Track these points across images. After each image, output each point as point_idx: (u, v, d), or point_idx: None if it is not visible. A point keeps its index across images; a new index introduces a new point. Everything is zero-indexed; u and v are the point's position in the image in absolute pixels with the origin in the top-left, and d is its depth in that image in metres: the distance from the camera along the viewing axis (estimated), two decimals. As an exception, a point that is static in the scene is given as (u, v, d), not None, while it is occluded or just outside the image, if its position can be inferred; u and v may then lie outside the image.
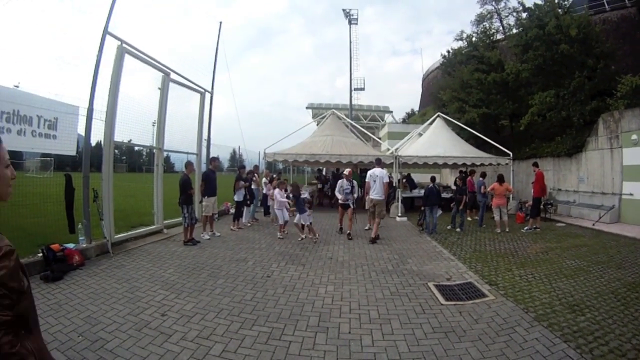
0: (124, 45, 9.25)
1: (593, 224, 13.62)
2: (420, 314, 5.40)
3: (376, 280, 7.02)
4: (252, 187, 13.92)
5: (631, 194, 13.96)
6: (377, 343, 4.51)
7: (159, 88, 11.36)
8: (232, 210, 13.73)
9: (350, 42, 44.59)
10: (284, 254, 8.94)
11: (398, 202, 16.21)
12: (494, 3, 36.36)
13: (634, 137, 13.90)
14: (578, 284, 6.87)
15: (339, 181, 12.03)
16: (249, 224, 13.54)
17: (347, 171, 11.99)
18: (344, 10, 44.58)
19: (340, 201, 11.91)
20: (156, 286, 6.34)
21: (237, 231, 12.04)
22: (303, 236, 10.96)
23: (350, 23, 45.31)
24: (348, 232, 11.41)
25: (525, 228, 12.92)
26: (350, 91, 43.22)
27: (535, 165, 13.97)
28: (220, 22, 15.81)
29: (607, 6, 29.10)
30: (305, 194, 16.93)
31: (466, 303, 5.88)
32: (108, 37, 8.74)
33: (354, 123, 25.86)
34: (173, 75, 11.86)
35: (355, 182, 12.14)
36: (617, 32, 26.83)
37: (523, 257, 9.06)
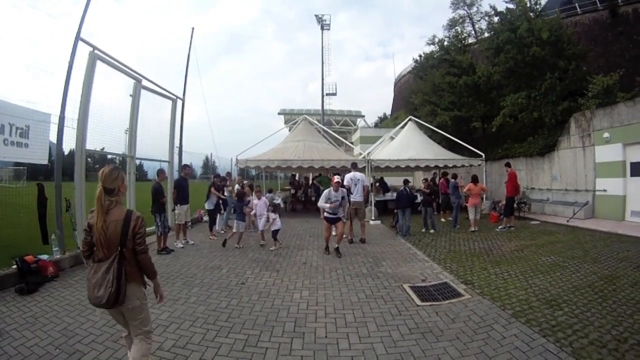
0: (96, 51, 9.06)
1: (567, 221, 13.76)
2: (396, 316, 5.34)
3: (351, 283, 6.96)
4: (225, 194, 13.65)
5: (605, 190, 14.25)
6: (354, 346, 4.46)
7: (130, 95, 11.15)
8: (206, 218, 13.41)
9: (322, 47, 44.76)
10: (258, 261, 8.84)
11: (371, 205, 16.04)
12: (466, 8, 36.94)
13: (606, 135, 14.16)
14: (554, 280, 6.88)
15: (326, 191, 9.81)
16: (222, 232, 13.23)
17: (335, 179, 9.74)
18: (316, 15, 44.97)
19: (326, 214, 9.67)
20: None
21: (214, 239, 11.75)
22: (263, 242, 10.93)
23: (322, 29, 45.55)
24: (336, 246, 9.52)
25: (500, 227, 12.94)
26: (322, 96, 43.22)
27: (508, 165, 14.06)
28: (193, 28, 15.63)
29: (578, 9, 30.05)
30: (278, 200, 16.72)
31: (442, 303, 5.84)
32: (80, 43, 8.57)
33: (325, 128, 25.82)
34: (145, 82, 11.68)
35: (345, 193, 10.01)
36: (588, 34, 27.71)
37: (498, 256, 9.06)
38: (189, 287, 6.71)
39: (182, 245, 10.67)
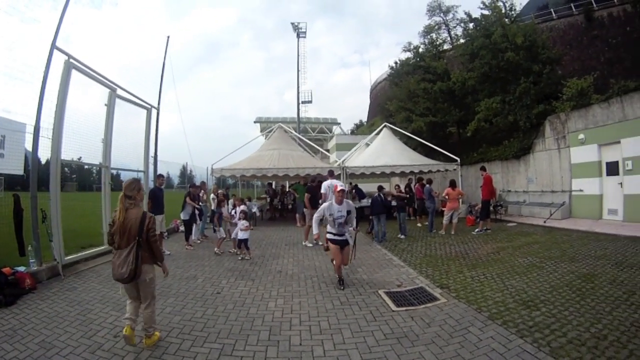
0: (71, 60, 8.87)
1: (544, 221, 13.82)
2: (371, 322, 5.29)
3: (326, 291, 6.89)
4: (200, 203, 13.37)
5: (581, 190, 14.41)
6: (328, 353, 4.41)
7: (105, 104, 10.86)
8: (182, 228, 13.12)
9: (298, 55, 44.83)
10: (234, 270, 8.69)
11: None
12: (442, 15, 37.23)
13: (581, 136, 14.32)
14: (531, 280, 6.85)
15: (323, 205, 7.56)
16: (198, 241, 13.02)
17: (338, 187, 7.40)
18: (292, 23, 44.89)
19: (329, 236, 7.31)
20: (108, 307, 6.17)
21: (190, 249, 11.50)
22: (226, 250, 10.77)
23: (298, 36, 45.60)
24: (340, 279, 7.19)
25: (476, 230, 12.93)
26: (298, 104, 43.24)
27: (483, 169, 14.11)
28: (168, 37, 15.38)
29: (554, 15, 30.75)
30: (254, 209, 16.44)
31: (418, 308, 5.79)
32: (56, 51, 8.38)
33: (301, 136, 25.91)
34: (120, 91, 11.44)
35: (353, 206, 7.51)
36: (564, 39, 28.25)
37: (474, 259, 9.01)
38: (164, 298, 6.59)
39: None
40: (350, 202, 7.60)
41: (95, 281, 7.86)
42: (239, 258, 9.86)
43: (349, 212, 7.27)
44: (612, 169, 13.29)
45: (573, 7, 29.76)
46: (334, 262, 7.32)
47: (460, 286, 6.81)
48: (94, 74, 10.01)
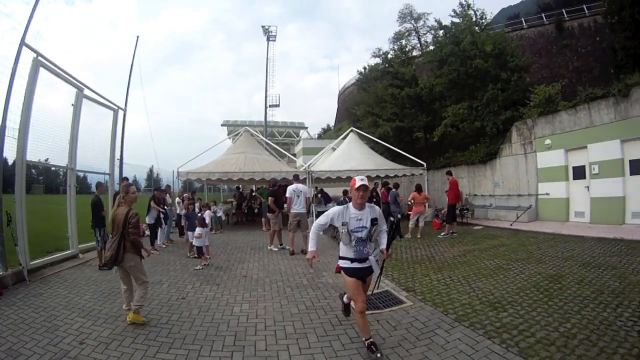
0: (40, 58, 8.63)
1: (511, 224, 13.99)
2: (337, 326, 5.26)
3: (291, 295, 6.87)
4: (165, 207, 13.19)
5: (547, 194, 14.61)
6: (294, 358, 4.40)
7: (72, 104, 10.66)
8: (147, 232, 12.70)
9: (267, 58, 44.74)
10: (199, 275, 8.61)
11: (313, 216, 15.78)
12: (413, 21, 37.74)
13: (548, 142, 14.53)
14: (498, 282, 6.85)
15: (332, 210, 4.75)
16: (164, 246, 12.81)
17: (357, 182, 4.52)
18: (263, 26, 44.73)
19: (343, 263, 4.61)
20: (73, 314, 6.08)
21: (155, 254, 11.12)
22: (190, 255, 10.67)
23: (268, 40, 45.52)
24: (369, 340, 4.32)
25: (442, 234, 12.91)
26: (265, 108, 43.23)
27: (449, 173, 14.16)
28: (138, 37, 15.12)
29: (524, 24, 31.83)
30: (219, 213, 16.32)
31: (384, 311, 5.77)
32: (24, 48, 8.14)
33: (267, 140, 25.92)
34: (87, 92, 11.22)
35: (379, 212, 4.70)
36: (533, 47, 29.29)
37: (440, 262, 8.99)
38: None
39: None
40: (376, 207, 4.74)
41: (61, 287, 7.75)
42: (197, 267, 9.39)
43: (374, 222, 4.49)
44: (579, 173, 13.52)
45: (544, 17, 30.91)
46: (353, 303, 4.84)
47: (426, 289, 6.78)
48: (61, 72, 9.79)
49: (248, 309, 6.11)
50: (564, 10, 29.92)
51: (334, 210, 4.65)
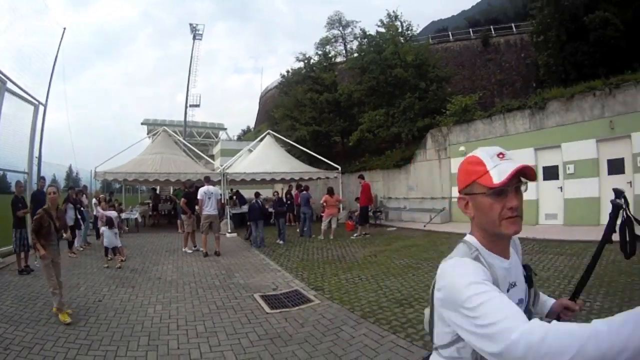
0: None
1: (424, 226, 14.20)
2: (246, 324, 5.41)
3: (203, 296, 6.92)
4: (82, 208, 12.58)
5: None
6: (205, 355, 4.51)
7: None
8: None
9: (192, 57, 43.98)
10: (115, 277, 8.51)
11: (227, 218, 15.66)
12: (341, 28, 38.24)
13: (462, 148, 14.88)
14: (406, 280, 7.03)
15: (473, 267, 1.20)
16: (81, 248, 12.17)
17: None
18: (190, 24, 43.93)
19: None
20: None
21: (73, 257, 10.79)
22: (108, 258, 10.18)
23: (194, 38, 44.81)
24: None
25: (355, 235, 13.11)
26: (186, 108, 42.69)
27: (361, 177, 14.44)
28: (64, 29, 14.19)
29: (451, 37, 33.20)
30: (136, 214, 16.52)
31: (292, 309, 5.93)
32: None
33: (185, 141, 25.38)
34: (10, 85, 10.57)
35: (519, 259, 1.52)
36: (458, 59, 30.46)
37: (351, 262, 9.13)
38: (50, 307, 6.30)
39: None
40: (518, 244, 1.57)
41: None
42: (117, 265, 9.42)
43: (528, 278, 1.51)
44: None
45: (472, 31, 32.53)
46: None
47: (334, 288, 6.94)
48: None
49: (161, 310, 6.17)
50: (492, 27, 31.59)
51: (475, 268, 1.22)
